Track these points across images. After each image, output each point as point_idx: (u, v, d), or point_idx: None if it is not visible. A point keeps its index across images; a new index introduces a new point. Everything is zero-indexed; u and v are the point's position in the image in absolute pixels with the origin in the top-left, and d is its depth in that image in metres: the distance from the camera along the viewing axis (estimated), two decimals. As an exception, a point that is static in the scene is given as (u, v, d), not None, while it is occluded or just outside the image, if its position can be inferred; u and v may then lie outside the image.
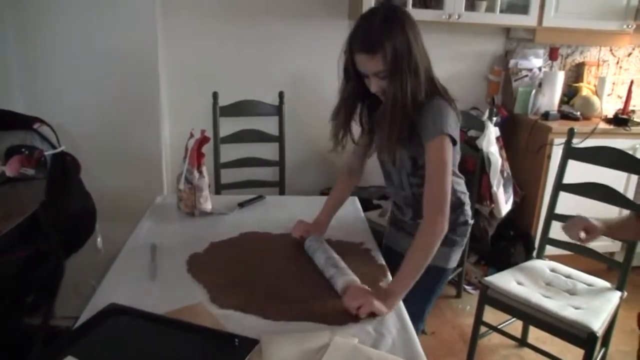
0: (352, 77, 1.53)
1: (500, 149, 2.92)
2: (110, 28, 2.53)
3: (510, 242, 3.15)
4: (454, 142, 1.50)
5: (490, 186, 2.82)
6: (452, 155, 1.48)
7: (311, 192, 3.29)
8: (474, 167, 2.78)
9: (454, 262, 1.74)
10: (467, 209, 1.72)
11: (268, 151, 2.89)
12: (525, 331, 2.60)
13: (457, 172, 1.68)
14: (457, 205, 1.67)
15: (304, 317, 1.33)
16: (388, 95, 1.46)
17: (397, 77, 1.43)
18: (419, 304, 1.69)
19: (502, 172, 2.85)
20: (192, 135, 1.95)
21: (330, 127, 1.64)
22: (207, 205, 1.97)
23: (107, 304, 1.33)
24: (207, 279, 1.48)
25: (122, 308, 1.32)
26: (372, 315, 1.33)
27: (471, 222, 1.74)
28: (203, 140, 1.94)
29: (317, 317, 1.33)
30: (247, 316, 1.33)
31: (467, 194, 1.74)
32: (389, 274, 1.58)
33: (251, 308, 1.35)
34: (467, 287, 3.06)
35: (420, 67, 1.46)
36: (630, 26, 3.20)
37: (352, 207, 2.06)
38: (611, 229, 1.68)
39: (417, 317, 1.72)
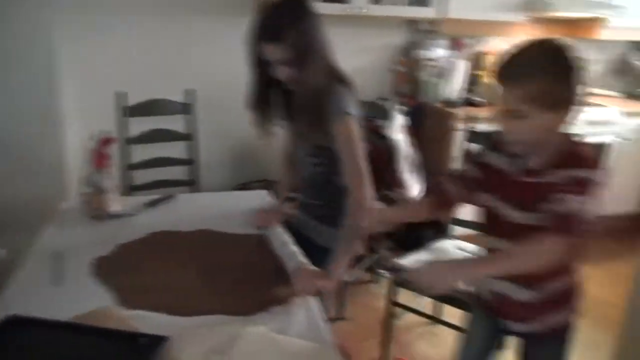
0: (260, 65, 1.58)
1: (407, 136, 3.03)
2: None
3: (423, 226, 3.27)
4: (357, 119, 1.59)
5: (399, 173, 2.92)
6: (358, 131, 1.55)
7: (227, 188, 3.29)
8: (382, 156, 2.87)
9: None
10: None
11: (182, 150, 2.86)
12: (438, 309, 2.72)
13: None
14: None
15: (214, 310, 1.35)
16: (298, 83, 1.53)
17: (302, 65, 1.50)
18: None
19: (409, 159, 2.96)
20: (95, 137, 1.91)
21: (247, 117, 1.70)
22: (115, 207, 1.93)
23: (7, 316, 1.28)
24: (114, 281, 1.46)
25: (23, 319, 1.28)
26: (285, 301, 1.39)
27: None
28: (106, 141, 1.90)
29: (227, 310, 1.35)
30: (157, 315, 1.33)
31: None
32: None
33: (160, 306, 1.35)
34: (382, 271, 3.16)
35: (323, 54, 1.54)
36: (524, 17, 3.42)
37: (261, 198, 2.08)
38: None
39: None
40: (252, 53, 1.57)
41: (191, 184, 2.86)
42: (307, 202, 1.86)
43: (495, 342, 1.64)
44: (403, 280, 2.30)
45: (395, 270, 2.34)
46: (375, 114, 3.07)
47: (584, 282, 1.49)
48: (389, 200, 3.06)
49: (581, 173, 1.23)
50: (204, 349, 1.20)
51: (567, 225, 1.20)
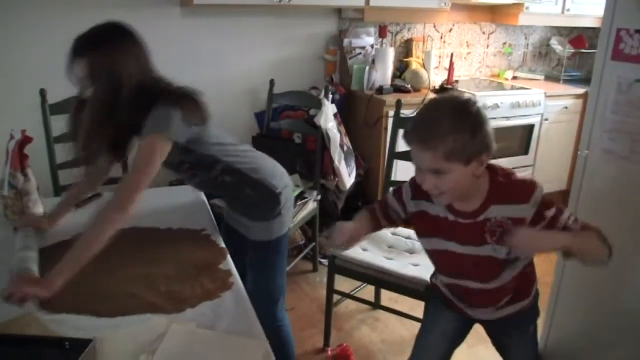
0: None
1: (339, 124, 3.06)
2: None
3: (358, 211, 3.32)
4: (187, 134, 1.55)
5: (332, 161, 2.95)
6: (161, 155, 1.49)
7: (160, 184, 3.22)
8: (315, 145, 2.89)
9: (278, 232, 1.80)
10: (270, 182, 1.77)
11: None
12: (377, 294, 2.77)
13: (241, 146, 1.78)
14: (251, 182, 1.74)
15: (140, 310, 1.33)
16: (88, 104, 1.52)
17: (96, 88, 1.50)
18: (262, 281, 1.75)
19: (342, 146, 3.00)
20: (12, 137, 1.83)
21: None
22: (38, 209, 1.86)
23: None
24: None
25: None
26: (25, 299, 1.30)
27: (280, 191, 1.79)
28: (25, 140, 1.82)
29: (153, 308, 1.33)
30: (81, 318, 1.30)
31: (266, 166, 1.80)
32: (228, 255, 1.61)
33: (84, 309, 1.32)
34: (322, 260, 3.18)
35: (126, 78, 1.50)
36: (446, 4, 3.50)
37: (193, 194, 2.05)
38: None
39: (267, 294, 1.80)
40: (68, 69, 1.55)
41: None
42: (224, 204, 1.89)
43: (455, 333, 1.71)
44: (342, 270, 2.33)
45: (334, 262, 2.35)
46: (307, 103, 3.09)
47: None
48: (324, 189, 3.10)
49: (516, 211, 1.37)
50: (131, 349, 1.18)
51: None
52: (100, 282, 1.44)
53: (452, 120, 1.29)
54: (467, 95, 1.38)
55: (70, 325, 1.27)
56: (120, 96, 1.50)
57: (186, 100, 1.55)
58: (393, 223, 1.63)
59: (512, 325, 1.66)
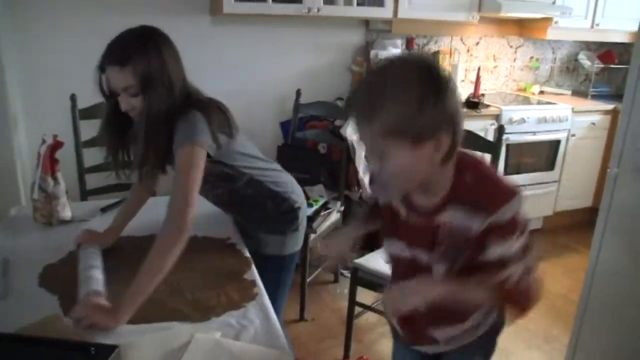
0: (107, 96, 1.53)
1: (364, 136, 3.05)
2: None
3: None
4: (217, 145, 1.53)
5: (357, 172, 2.95)
6: (200, 164, 1.47)
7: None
8: (339, 155, 2.89)
9: (292, 247, 1.82)
10: (290, 196, 1.78)
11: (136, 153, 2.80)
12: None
13: (265, 161, 1.77)
14: (272, 195, 1.74)
15: (165, 317, 1.33)
16: (142, 113, 1.47)
17: (150, 94, 1.45)
18: (271, 291, 1.73)
19: (366, 158, 2.98)
20: (44, 141, 1.86)
21: None
22: (66, 213, 1.89)
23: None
24: (62, 290, 1.43)
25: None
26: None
27: (299, 206, 1.81)
28: (56, 145, 1.85)
29: (178, 316, 1.33)
30: (107, 323, 1.30)
31: (287, 182, 1.81)
32: (253, 265, 1.61)
33: (109, 314, 1.32)
34: (343, 271, 3.17)
35: (174, 84, 1.49)
36: (474, 17, 3.48)
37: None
38: None
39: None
40: (100, 80, 1.51)
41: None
42: (237, 220, 1.88)
43: None
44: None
45: (356, 274, 2.35)
46: (333, 114, 3.09)
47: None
48: (347, 200, 3.09)
49: (469, 220, 1.06)
50: (155, 356, 1.18)
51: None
52: (125, 288, 1.44)
53: (397, 86, 0.99)
54: (430, 57, 1.05)
55: (93, 329, 1.27)
56: (174, 101, 1.48)
57: (216, 111, 1.55)
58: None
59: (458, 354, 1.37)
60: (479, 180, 1.08)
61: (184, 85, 1.54)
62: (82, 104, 2.60)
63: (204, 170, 1.49)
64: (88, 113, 2.62)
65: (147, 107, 1.46)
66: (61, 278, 1.50)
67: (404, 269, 1.24)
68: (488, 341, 1.37)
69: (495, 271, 1.05)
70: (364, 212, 1.40)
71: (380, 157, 1.04)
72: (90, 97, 2.60)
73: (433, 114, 0.98)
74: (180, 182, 1.44)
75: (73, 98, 2.59)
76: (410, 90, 0.97)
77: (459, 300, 1.11)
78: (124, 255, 1.66)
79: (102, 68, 1.47)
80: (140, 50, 1.44)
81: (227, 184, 1.70)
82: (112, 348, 1.17)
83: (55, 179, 1.85)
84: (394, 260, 1.30)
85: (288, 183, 1.81)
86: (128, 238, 1.76)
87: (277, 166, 1.84)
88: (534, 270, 1.08)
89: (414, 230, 1.17)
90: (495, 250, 1.05)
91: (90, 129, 2.63)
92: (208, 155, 1.51)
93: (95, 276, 1.46)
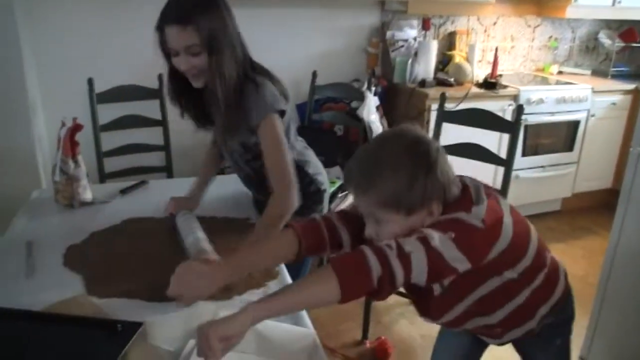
0: (166, 56, 1.51)
1: (380, 117, 3.04)
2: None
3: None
4: (282, 114, 1.52)
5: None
6: (281, 128, 1.48)
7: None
8: (357, 137, 2.88)
9: None
10: (317, 178, 1.77)
11: (153, 136, 2.81)
12: (416, 288, 2.75)
13: (300, 140, 1.76)
14: (302, 175, 1.71)
15: (189, 295, 1.34)
16: (212, 75, 1.44)
17: (216, 54, 1.42)
18: (294, 272, 1.73)
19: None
20: (63, 124, 1.87)
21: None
22: (87, 195, 1.90)
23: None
24: (85, 270, 1.44)
25: (-6, 309, 1.26)
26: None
27: (325, 189, 1.80)
28: (75, 128, 1.86)
29: (201, 295, 1.34)
30: (131, 301, 1.32)
31: (317, 163, 1.80)
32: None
33: (133, 293, 1.34)
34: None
35: (236, 46, 1.47)
36: (493, -4, 3.44)
37: (235, 184, 2.07)
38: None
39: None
40: (160, 41, 1.46)
41: (164, 170, 2.83)
42: (257, 198, 1.85)
43: (473, 347, 1.54)
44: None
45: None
46: (349, 95, 3.08)
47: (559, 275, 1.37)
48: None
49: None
50: (180, 333, 1.20)
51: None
52: (148, 270, 1.46)
53: (390, 163, 1.09)
54: (420, 132, 1.12)
55: (119, 308, 1.29)
56: (241, 64, 1.47)
57: (276, 79, 1.56)
58: None
59: (528, 344, 1.43)
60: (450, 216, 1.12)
61: (244, 50, 1.53)
62: (99, 87, 2.62)
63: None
64: (105, 97, 2.64)
65: (217, 68, 1.43)
66: (84, 258, 1.52)
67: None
68: (563, 323, 1.41)
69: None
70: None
71: (376, 222, 1.12)
72: (107, 80, 2.65)
73: (423, 189, 1.08)
74: (274, 159, 1.45)
75: (90, 82, 2.61)
76: (402, 168, 1.07)
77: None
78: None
79: (160, 27, 1.44)
80: (202, 8, 1.40)
81: (261, 162, 1.64)
82: (138, 325, 1.18)
83: (75, 161, 1.87)
84: None
85: (317, 165, 1.80)
86: (148, 219, 1.78)
87: (308, 146, 1.82)
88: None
89: None
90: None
91: (107, 112, 2.66)
92: (282, 113, 1.51)
93: (199, 236, 1.50)
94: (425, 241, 1.05)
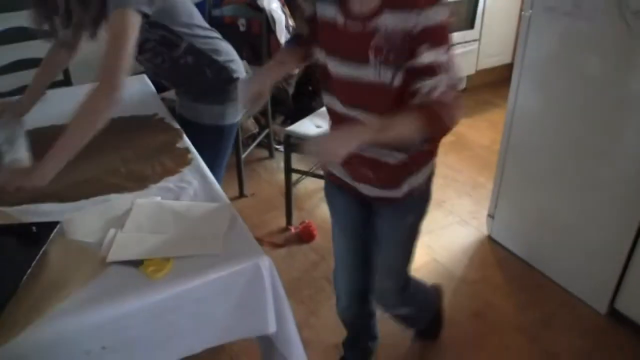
0: None
1: (282, 5, 2.97)
2: None
3: (310, 97, 3.33)
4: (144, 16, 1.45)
5: (279, 44, 2.90)
6: (134, 27, 1.40)
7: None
8: (260, 29, 2.82)
9: (231, 118, 1.81)
10: (229, 65, 1.76)
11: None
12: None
13: (205, 28, 1.71)
14: (211, 64, 1.71)
15: (102, 191, 1.34)
16: None
17: None
18: (209, 163, 1.73)
19: (287, 28, 2.93)
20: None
21: None
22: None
23: None
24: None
25: None
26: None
27: (237, 76, 1.78)
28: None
29: (115, 189, 1.35)
30: (44, 205, 1.30)
31: (227, 50, 1.77)
32: (184, 135, 1.63)
33: (47, 196, 1.32)
34: (277, 146, 3.21)
35: None
36: None
37: (140, 84, 2.01)
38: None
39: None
40: None
41: (64, 84, 2.68)
42: (173, 87, 1.85)
43: (356, 223, 1.55)
44: (298, 148, 2.36)
45: (289, 141, 2.38)
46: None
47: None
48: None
49: (405, 19, 1.10)
50: (99, 226, 1.21)
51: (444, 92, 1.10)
52: (59, 174, 1.43)
53: None
54: None
55: (33, 213, 1.27)
56: None
57: None
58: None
59: (385, 215, 1.46)
60: None
61: None
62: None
63: (142, 34, 1.43)
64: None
65: None
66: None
67: (339, 123, 1.30)
68: (421, 202, 1.45)
69: (426, 78, 1.11)
70: (285, 50, 1.44)
71: None
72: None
73: None
74: (113, 44, 1.37)
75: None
76: None
77: (389, 137, 1.14)
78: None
79: None
80: None
81: (167, 51, 1.64)
82: (54, 224, 1.18)
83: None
84: (331, 114, 1.36)
85: (228, 52, 1.77)
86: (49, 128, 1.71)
87: (217, 34, 1.78)
88: (457, 88, 1.15)
89: (351, 39, 1.18)
90: (428, 57, 1.10)
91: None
92: (145, 16, 1.43)
93: (16, 144, 1.45)
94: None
